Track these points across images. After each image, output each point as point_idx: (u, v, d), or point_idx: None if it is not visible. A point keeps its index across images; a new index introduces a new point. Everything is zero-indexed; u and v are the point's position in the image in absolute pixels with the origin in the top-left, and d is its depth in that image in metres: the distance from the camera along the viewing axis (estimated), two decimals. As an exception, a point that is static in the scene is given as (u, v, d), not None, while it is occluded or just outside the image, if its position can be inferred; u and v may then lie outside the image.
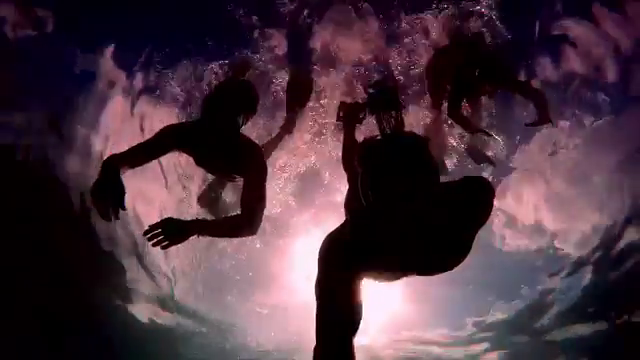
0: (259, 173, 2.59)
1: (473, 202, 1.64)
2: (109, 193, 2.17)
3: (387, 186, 1.47)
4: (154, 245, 2.18)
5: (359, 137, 2.72)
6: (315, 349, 1.57)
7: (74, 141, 5.42)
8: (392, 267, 1.74)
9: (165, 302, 7.76)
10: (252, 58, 4.83)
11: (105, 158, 2.36)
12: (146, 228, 2.15)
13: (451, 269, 1.76)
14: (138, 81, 5.36)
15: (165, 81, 5.20)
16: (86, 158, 5.49)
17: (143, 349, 8.07)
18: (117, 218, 2.18)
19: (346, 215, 2.27)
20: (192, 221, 2.36)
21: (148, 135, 3.04)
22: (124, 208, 2.19)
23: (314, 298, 1.62)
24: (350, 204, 2.22)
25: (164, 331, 8.23)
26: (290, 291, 7.48)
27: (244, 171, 2.64)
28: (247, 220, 2.44)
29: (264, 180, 2.60)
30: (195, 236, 2.30)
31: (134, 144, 2.62)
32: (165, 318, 8.09)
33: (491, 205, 1.70)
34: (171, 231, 2.20)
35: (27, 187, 5.49)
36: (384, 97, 2.46)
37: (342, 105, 2.86)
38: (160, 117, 5.25)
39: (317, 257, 1.64)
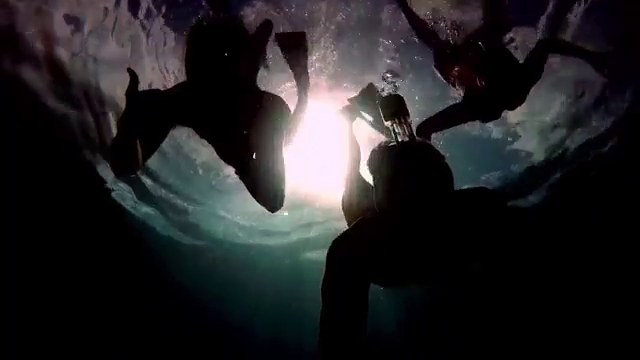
0: (272, 135, 2.07)
1: (490, 216, 1.66)
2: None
3: (403, 192, 1.44)
4: None
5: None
6: (319, 349, 1.57)
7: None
8: (401, 276, 1.75)
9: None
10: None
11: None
12: None
13: (458, 279, 1.79)
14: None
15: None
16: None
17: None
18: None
19: (347, 219, 2.26)
20: None
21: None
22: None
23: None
24: (353, 210, 2.18)
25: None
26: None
27: (255, 137, 2.12)
28: (265, 205, 2.10)
29: (278, 145, 2.08)
30: None
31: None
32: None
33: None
34: None
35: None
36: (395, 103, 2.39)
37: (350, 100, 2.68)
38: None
39: (326, 258, 1.62)
